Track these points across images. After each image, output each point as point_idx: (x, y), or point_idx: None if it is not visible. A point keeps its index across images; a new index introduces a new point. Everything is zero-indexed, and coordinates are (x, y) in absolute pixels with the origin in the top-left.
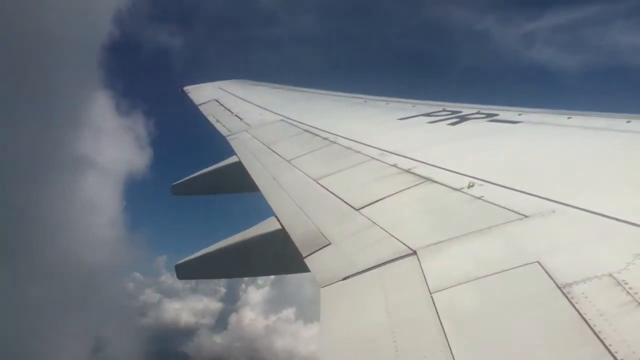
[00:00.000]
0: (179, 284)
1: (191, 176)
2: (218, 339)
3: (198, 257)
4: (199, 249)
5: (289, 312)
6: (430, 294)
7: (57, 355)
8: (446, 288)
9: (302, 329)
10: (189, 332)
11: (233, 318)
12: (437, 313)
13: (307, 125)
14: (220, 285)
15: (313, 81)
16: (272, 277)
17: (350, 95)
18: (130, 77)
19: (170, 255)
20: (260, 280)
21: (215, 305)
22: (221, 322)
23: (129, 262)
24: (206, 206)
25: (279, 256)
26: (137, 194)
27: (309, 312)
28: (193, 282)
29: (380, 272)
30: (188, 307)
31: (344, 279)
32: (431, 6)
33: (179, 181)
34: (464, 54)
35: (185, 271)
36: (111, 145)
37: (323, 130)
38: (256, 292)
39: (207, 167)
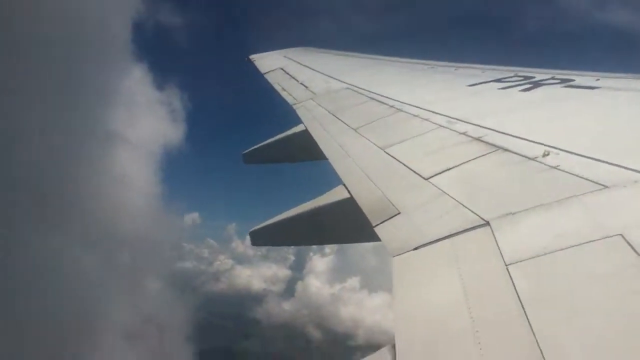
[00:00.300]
0: (250, 250)
1: (260, 145)
2: (286, 306)
3: (271, 224)
4: (268, 216)
5: (353, 281)
6: (506, 266)
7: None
8: (522, 260)
9: (367, 297)
10: (258, 298)
11: (299, 286)
12: (514, 286)
13: (373, 92)
14: (290, 253)
15: (377, 48)
16: (337, 245)
17: (417, 62)
18: (198, 49)
19: (240, 222)
20: (327, 248)
21: (284, 272)
22: (290, 289)
23: (191, 230)
24: (275, 174)
25: (349, 225)
26: (209, 163)
27: (373, 282)
28: (264, 249)
29: (453, 243)
30: (259, 273)
31: (415, 248)
32: None
33: (248, 149)
34: (533, 15)
35: (259, 238)
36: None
37: (389, 98)
38: (321, 260)
39: (275, 135)
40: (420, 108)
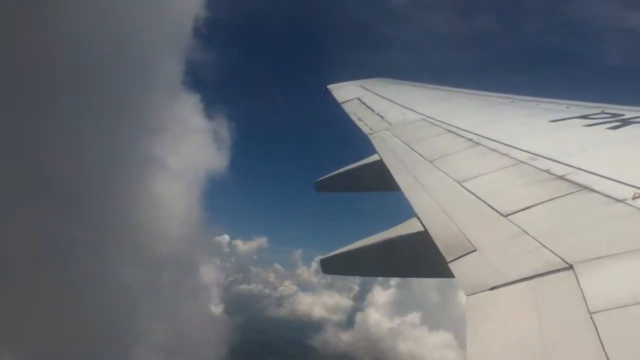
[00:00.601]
0: (315, 278)
1: (333, 173)
2: (344, 336)
3: (342, 253)
4: (337, 245)
5: (414, 316)
6: (590, 314)
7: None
8: (608, 309)
9: (427, 334)
10: (318, 326)
11: (359, 317)
12: (599, 335)
13: (450, 125)
14: (354, 283)
15: (455, 80)
16: (400, 279)
17: (496, 95)
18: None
19: (307, 249)
20: (391, 281)
21: (346, 302)
22: (350, 319)
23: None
24: (346, 204)
25: (421, 259)
26: (283, 190)
27: (433, 319)
28: (329, 277)
29: (532, 285)
30: (321, 301)
31: (491, 288)
32: (574, 2)
33: (321, 178)
34: (614, 51)
35: (329, 266)
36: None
37: (467, 131)
38: (383, 292)
39: (348, 165)
40: (500, 142)
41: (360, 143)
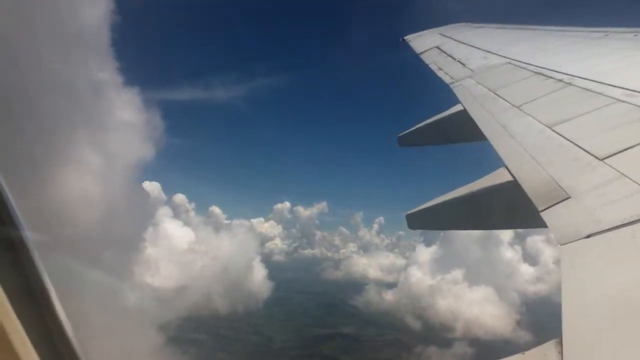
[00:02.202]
0: (377, 239)
1: (416, 127)
2: (388, 296)
3: (428, 208)
4: (400, 205)
5: (455, 273)
6: None
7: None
8: None
9: (467, 290)
10: (363, 287)
11: (402, 276)
12: None
13: (537, 66)
14: (419, 242)
15: (541, 18)
16: (442, 236)
17: (588, 30)
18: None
19: (367, 212)
20: (435, 238)
21: (401, 262)
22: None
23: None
24: (431, 157)
25: (511, 209)
26: (364, 144)
27: (475, 274)
28: (393, 238)
29: (633, 231)
30: (377, 262)
31: (588, 236)
32: None
33: (404, 132)
34: None
35: (415, 221)
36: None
37: (556, 71)
38: (425, 250)
39: (431, 117)
40: (593, 81)
41: (445, 93)
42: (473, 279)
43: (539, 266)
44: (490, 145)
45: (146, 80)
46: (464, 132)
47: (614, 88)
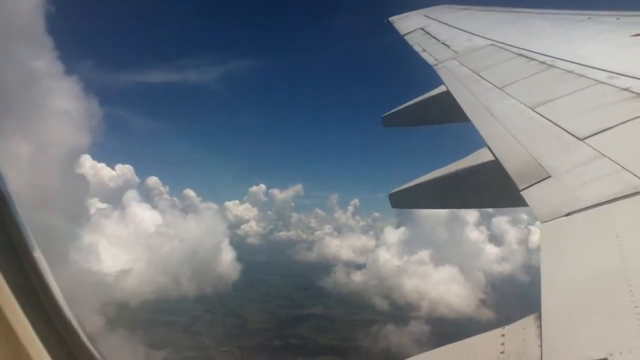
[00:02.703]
0: (352, 221)
1: (400, 107)
2: (356, 277)
3: (411, 187)
4: (375, 186)
5: (422, 254)
6: None
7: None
8: None
9: (433, 270)
10: (331, 268)
11: (370, 257)
12: None
13: (520, 48)
14: (393, 224)
15: (525, 1)
16: (410, 218)
17: (571, 12)
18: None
19: (342, 193)
20: (403, 220)
21: (374, 243)
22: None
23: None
24: (409, 139)
25: (492, 188)
26: (341, 127)
27: (441, 255)
28: (369, 219)
29: (610, 210)
30: (348, 244)
31: (567, 214)
32: None
33: (388, 112)
34: None
35: (398, 200)
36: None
37: (539, 53)
38: (394, 232)
39: (413, 99)
40: (575, 63)
41: (428, 74)
42: (439, 260)
43: (504, 246)
44: (472, 126)
45: (108, 64)
46: (447, 113)
47: (596, 70)
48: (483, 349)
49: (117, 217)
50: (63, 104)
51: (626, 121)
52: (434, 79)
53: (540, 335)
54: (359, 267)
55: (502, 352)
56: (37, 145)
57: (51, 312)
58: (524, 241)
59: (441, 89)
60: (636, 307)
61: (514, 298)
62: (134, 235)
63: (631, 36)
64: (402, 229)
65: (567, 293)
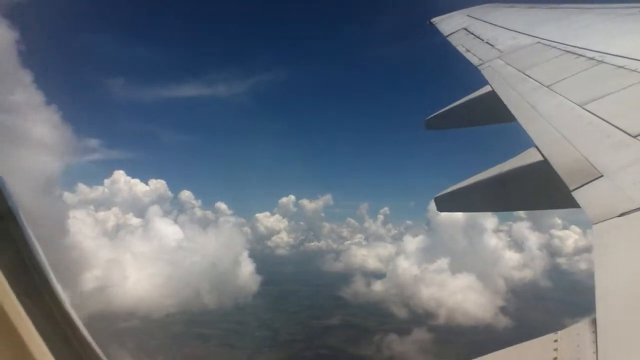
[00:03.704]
0: (382, 230)
1: (444, 109)
2: (376, 286)
3: (457, 190)
4: (403, 194)
5: (441, 262)
6: None
7: None
8: None
9: (450, 278)
10: (356, 277)
11: (390, 266)
12: None
13: (568, 45)
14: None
15: None
16: (428, 226)
17: (621, 6)
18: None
19: (372, 202)
20: (421, 229)
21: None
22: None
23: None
24: (460, 140)
25: (542, 189)
26: (370, 132)
27: (459, 263)
28: (402, 227)
29: None
30: (375, 253)
31: (621, 214)
32: None
33: (432, 115)
34: None
35: (444, 204)
36: None
37: (587, 50)
38: (412, 241)
39: (459, 99)
40: (627, 58)
41: (473, 75)
42: (458, 267)
43: (524, 253)
44: (518, 126)
45: (139, 80)
46: (492, 113)
47: None
48: (535, 354)
49: (141, 232)
50: (39, 133)
51: None
52: (477, 81)
53: (596, 341)
54: (380, 276)
55: (555, 358)
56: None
57: (55, 313)
58: (545, 246)
59: (486, 89)
60: None
61: (536, 304)
62: (157, 249)
63: None
64: (421, 237)
65: (623, 297)
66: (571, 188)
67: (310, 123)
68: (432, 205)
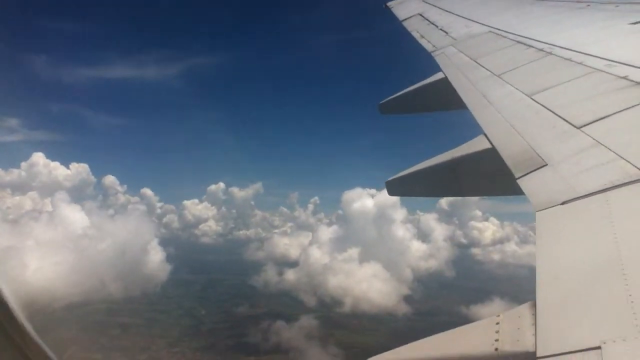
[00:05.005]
0: (312, 219)
1: (397, 94)
2: (288, 275)
3: (407, 175)
4: (334, 184)
5: (351, 252)
6: None
7: None
8: None
9: (359, 267)
10: (265, 266)
11: (302, 255)
12: None
13: (519, 35)
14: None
15: None
16: (340, 217)
17: (571, 0)
18: None
19: (302, 191)
20: (333, 220)
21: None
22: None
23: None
24: (411, 125)
25: (489, 176)
26: (300, 125)
27: (368, 252)
28: (333, 217)
29: (607, 198)
30: (298, 242)
31: (563, 203)
32: None
33: (385, 100)
34: None
35: (395, 188)
36: None
37: (537, 41)
38: (326, 230)
39: (413, 85)
40: (573, 50)
41: (427, 61)
42: (368, 257)
43: (431, 243)
44: (469, 114)
45: (64, 59)
46: (445, 100)
47: (594, 58)
48: (478, 335)
49: (47, 218)
50: None
51: (623, 110)
52: (434, 66)
53: (535, 324)
54: (284, 264)
55: (496, 340)
56: None
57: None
58: (457, 238)
59: (439, 75)
60: (630, 295)
61: (440, 292)
62: (63, 237)
63: (630, 24)
64: (335, 227)
65: (562, 281)
66: (517, 176)
67: (244, 110)
68: (345, 196)
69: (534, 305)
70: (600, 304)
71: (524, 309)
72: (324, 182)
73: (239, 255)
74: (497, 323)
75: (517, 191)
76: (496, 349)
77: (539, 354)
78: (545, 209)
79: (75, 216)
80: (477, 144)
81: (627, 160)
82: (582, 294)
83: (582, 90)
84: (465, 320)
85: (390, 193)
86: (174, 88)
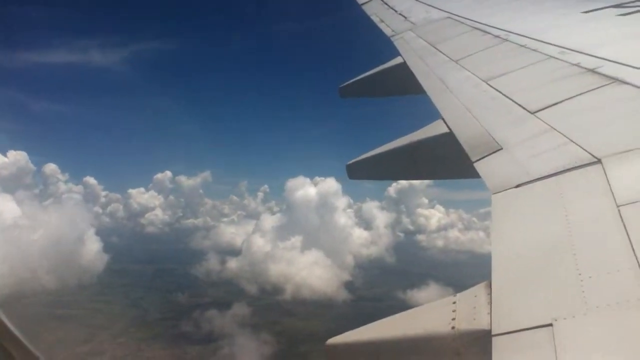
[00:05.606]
0: (261, 207)
1: (357, 78)
2: (231, 264)
3: (367, 158)
4: (281, 173)
5: (294, 240)
6: (617, 206)
7: None
8: (636, 202)
9: (301, 255)
10: (201, 254)
11: (245, 243)
12: (625, 228)
13: (477, 22)
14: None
15: None
16: (285, 205)
17: None
18: None
19: (252, 179)
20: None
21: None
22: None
23: None
24: (371, 109)
25: (446, 160)
26: (251, 113)
27: (311, 240)
28: (284, 205)
29: (559, 181)
30: (244, 230)
31: (517, 186)
32: None
33: (345, 83)
34: None
35: (355, 171)
36: None
37: (494, 27)
38: (269, 219)
39: (372, 69)
40: (529, 37)
41: (386, 45)
42: (310, 244)
43: (373, 230)
44: (427, 98)
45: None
46: (403, 84)
47: (549, 45)
48: (435, 316)
49: None
50: None
51: (575, 96)
52: (392, 50)
53: (490, 303)
54: (227, 253)
55: (453, 319)
56: None
57: None
58: (396, 225)
59: (398, 60)
60: (580, 274)
61: (381, 278)
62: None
63: (582, 12)
64: (278, 216)
65: (516, 261)
66: (473, 159)
67: (192, 98)
68: (289, 185)
69: (490, 285)
70: (551, 282)
71: (480, 288)
72: (274, 170)
73: (185, 244)
74: (454, 302)
75: (474, 174)
76: (453, 327)
77: (493, 332)
78: (500, 191)
79: (6, 206)
80: (435, 128)
81: (578, 145)
82: (534, 274)
83: (536, 76)
84: (404, 305)
85: (351, 176)
86: (120, 74)
